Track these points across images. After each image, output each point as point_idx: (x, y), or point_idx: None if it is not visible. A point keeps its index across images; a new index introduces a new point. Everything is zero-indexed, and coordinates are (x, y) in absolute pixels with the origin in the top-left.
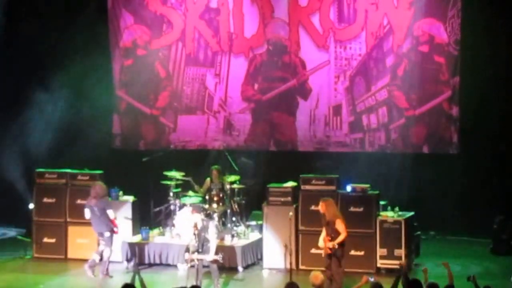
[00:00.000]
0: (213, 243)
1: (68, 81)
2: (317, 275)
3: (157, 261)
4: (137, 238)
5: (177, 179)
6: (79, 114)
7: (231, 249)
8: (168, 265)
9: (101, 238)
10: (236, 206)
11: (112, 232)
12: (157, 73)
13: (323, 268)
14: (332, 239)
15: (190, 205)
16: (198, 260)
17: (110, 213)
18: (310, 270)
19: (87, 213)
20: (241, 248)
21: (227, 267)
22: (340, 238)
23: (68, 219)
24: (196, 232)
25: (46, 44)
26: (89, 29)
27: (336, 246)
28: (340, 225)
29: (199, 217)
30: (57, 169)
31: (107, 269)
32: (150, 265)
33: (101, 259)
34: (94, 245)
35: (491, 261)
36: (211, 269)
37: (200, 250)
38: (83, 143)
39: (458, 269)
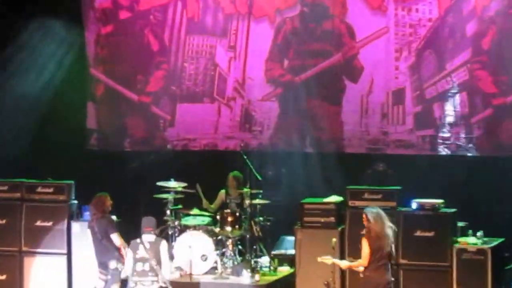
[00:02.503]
0: None
1: (22, 57)
2: None
3: None
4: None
5: (177, 192)
6: (39, 103)
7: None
8: None
9: (103, 272)
10: (258, 230)
11: (120, 262)
12: (147, 44)
13: None
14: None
15: (195, 227)
16: None
17: (115, 237)
18: None
19: (90, 236)
20: (266, 286)
21: None
22: (351, 263)
23: (24, 248)
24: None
25: None
26: None
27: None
28: (362, 247)
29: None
30: (9, 178)
31: None
32: None
33: None
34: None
35: None
36: None
37: None
38: (46, 143)
39: None
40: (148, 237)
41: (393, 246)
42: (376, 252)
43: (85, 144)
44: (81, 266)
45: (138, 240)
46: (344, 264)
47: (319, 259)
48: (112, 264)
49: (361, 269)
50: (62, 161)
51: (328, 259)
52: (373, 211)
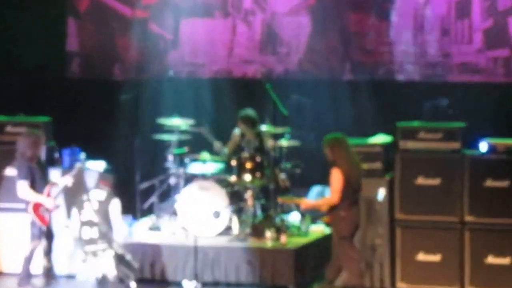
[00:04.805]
0: None
1: None
2: None
3: (147, 275)
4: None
5: (182, 132)
6: (7, 21)
7: (278, 253)
8: (164, 282)
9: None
10: (284, 179)
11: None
12: None
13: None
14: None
15: (204, 176)
16: None
17: (20, 186)
18: None
19: None
20: (295, 252)
21: (269, 286)
22: (317, 201)
23: None
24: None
25: None
26: None
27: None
28: (333, 179)
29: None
30: None
31: (27, 275)
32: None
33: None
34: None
35: None
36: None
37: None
38: (16, 70)
39: None
40: (98, 194)
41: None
42: (348, 185)
43: (64, 71)
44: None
45: (85, 197)
46: (309, 203)
47: (279, 200)
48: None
49: (324, 207)
50: (37, 92)
51: (289, 198)
52: (329, 137)
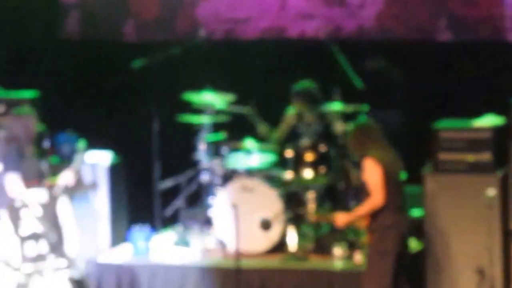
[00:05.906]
0: None
1: None
2: None
3: None
4: (124, 253)
5: (218, 112)
6: None
7: (350, 277)
8: None
9: None
10: (358, 175)
11: None
12: None
13: None
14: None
15: (249, 172)
16: None
17: (11, 180)
18: None
19: None
20: None
21: None
22: (361, 208)
23: None
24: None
25: None
26: None
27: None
28: (369, 172)
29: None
30: None
31: None
32: None
33: None
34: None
35: None
36: None
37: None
38: None
39: None
40: (36, 196)
41: None
42: (390, 180)
43: (58, 30)
44: None
45: (19, 203)
46: (345, 217)
47: (312, 218)
48: None
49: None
50: (20, 59)
51: (323, 215)
52: (357, 122)
